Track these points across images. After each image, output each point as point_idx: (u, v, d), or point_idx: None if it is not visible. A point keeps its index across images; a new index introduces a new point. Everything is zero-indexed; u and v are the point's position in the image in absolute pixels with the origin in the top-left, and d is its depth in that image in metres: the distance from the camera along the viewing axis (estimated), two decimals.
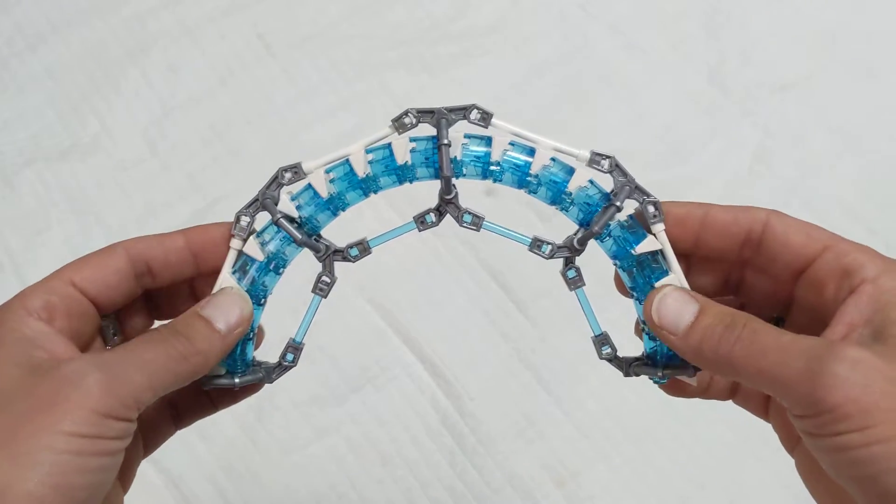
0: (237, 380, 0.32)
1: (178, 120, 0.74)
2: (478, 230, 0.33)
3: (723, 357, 0.27)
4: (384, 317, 0.63)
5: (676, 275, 0.31)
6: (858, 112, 0.70)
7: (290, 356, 0.33)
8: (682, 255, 0.32)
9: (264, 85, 0.75)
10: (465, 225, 0.32)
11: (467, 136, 0.32)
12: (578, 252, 0.33)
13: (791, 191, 0.67)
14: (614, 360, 0.34)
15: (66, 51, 0.78)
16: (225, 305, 0.31)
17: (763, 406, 0.34)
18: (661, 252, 0.31)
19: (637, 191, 0.32)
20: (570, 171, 0.32)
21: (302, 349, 0.33)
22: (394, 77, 0.74)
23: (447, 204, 0.32)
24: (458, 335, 0.63)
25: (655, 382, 0.34)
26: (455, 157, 0.31)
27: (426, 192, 0.33)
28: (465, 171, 0.32)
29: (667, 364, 0.32)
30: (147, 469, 0.58)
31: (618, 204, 0.31)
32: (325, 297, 0.33)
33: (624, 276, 0.32)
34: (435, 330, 0.63)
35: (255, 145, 0.72)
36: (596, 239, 0.32)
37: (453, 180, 0.32)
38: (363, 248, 0.33)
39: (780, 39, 0.74)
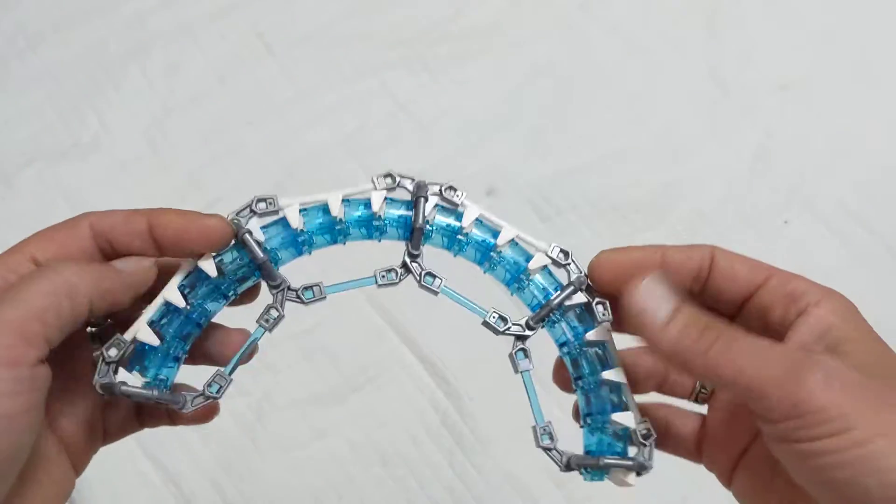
0: (154, 393, 0.30)
1: (178, 119, 0.74)
2: (436, 294, 0.33)
3: (700, 353, 0.27)
4: (384, 317, 0.63)
5: (620, 370, 0.32)
6: (858, 112, 0.70)
7: (214, 386, 0.31)
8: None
9: (264, 84, 0.75)
10: (423, 286, 0.33)
11: (438, 207, 0.33)
12: (532, 330, 0.34)
13: (791, 191, 0.67)
14: (552, 451, 0.34)
15: (66, 50, 0.78)
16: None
17: (695, 447, 0.35)
18: (606, 345, 0.32)
19: (589, 289, 0.32)
20: (529, 256, 0.33)
21: (229, 383, 0.31)
22: (394, 77, 0.74)
23: (413, 260, 0.33)
24: (458, 335, 0.63)
25: (593, 479, 0.34)
26: (427, 220, 0.32)
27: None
28: (432, 237, 0.33)
29: (606, 459, 0.33)
30: (146, 467, 0.58)
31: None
32: (270, 331, 0.32)
33: (569, 365, 0.33)
34: (435, 330, 0.63)
35: (254, 145, 0.72)
36: (546, 326, 0.33)
37: (420, 246, 0.32)
38: (318, 291, 0.32)
39: (780, 39, 0.74)
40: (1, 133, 0.75)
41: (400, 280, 0.33)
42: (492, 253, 0.33)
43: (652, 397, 0.36)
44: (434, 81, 0.74)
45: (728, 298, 0.31)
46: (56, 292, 0.28)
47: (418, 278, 0.33)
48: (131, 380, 0.31)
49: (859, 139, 0.69)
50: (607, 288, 0.32)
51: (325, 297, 0.32)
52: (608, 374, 0.33)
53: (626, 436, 0.33)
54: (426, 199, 0.32)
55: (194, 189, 0.70)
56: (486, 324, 0.34)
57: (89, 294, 0.28)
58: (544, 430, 0.34)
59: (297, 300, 0.32)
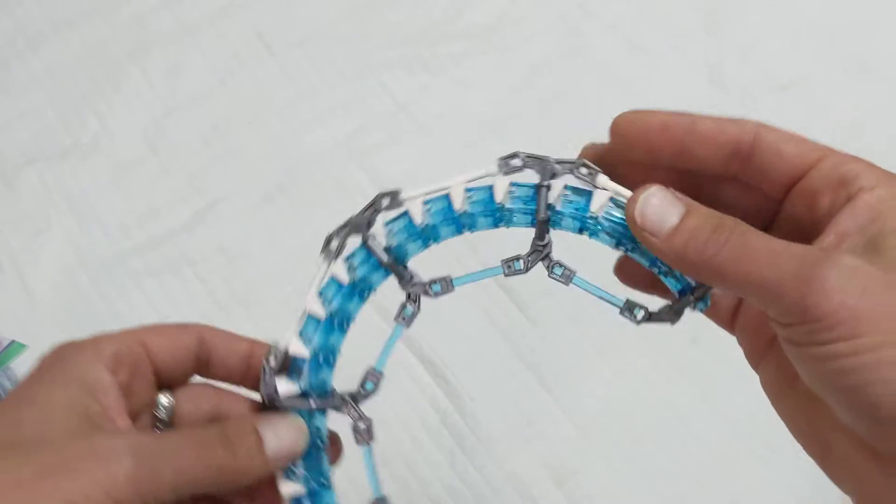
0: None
1: (178, 120, 0.74)
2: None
3: (708, 260, 0.26)
4: (384, 317, 0.63)
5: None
6: (858, 112, 0.70)
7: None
8: (664, 168, 0.30)
9: (264, 85, 0.75)
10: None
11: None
12: (545, 247, 0.32)
13: None
14: (652, 316, 0.31)
15: (66, 51, 0.78)
16: (283, 431, 0.30)
17: (729, 319, 0.32)
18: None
19: (559, 164, 0.31)
20: (489, 189, 0.31)
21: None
22: (394, 77, 0.74)
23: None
24: (458, 335, 0.63)
25: (704, 308, 0.31)
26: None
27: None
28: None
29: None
30: None
31: (545, 184, 0.31)
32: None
33: (637, 258, 0.31)
34: (435, 330, 0.63)
35: (255, 145, 0.72)
36: (592, 236, 0.31)
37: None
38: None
39: (780, 39, 0.74)
40: (1, 133, 0.75)
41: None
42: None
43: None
44: (434, 81, 0.74)
45: (774, 180, 0.29)
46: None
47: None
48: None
49: (859, 139, 0.69)
50: (628, 153, 0.30)
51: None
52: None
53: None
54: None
55: (194, 190, 0.70)
56: (624, 313, 0.31)
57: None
58: (631, 306, 0.31)
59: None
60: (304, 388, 0.31)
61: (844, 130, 0.70)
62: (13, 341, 0.60)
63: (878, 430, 0.24)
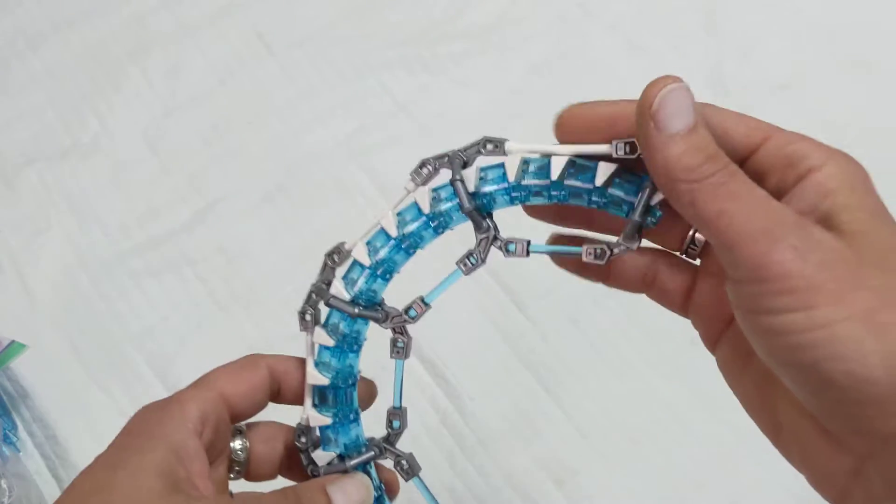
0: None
1: (178, 120, 0.74)
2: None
3: (692, 183, 0.25)
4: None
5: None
6: (858, 112, 0.70)
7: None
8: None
9: (264, 85, 0.75)
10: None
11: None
12: (488, 229, 0.32)
13: None
14: (616, 247, 0.30)
15: (66, 51, 0.78)
16: (350, 492, 0.31)
17: (681, 302, 0.32)
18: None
19: (461, 153, 0.31)
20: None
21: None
22: (394, 77, 0.74)
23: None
24: (458, 335, 0.63)
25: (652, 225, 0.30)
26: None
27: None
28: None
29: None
30: None
31: (458, 178, 0.31)
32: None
33: (573, 202, 0.31)
34: (435, 330, 0.62)
35: (255, 145, 0.72)
36: (522, 202, 0.31)
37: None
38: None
39: (780, 39, 0.74)
40: (1, 133, 0.75)
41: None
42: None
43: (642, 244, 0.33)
44: (434, 81, 0.74)
45: None
46: None
47: (503, 251, 0.32)
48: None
49: (859, 138, 0.69)
50: (569, 141, 0.30)
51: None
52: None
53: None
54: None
55: (194, 190, 0.70)
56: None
57: None
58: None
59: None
60: (340, 451, 0.33)
61: (844, 130, 0.70)
62: (13, 341, 0.60)
63: (828, 407, 0.24)
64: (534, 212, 0.33)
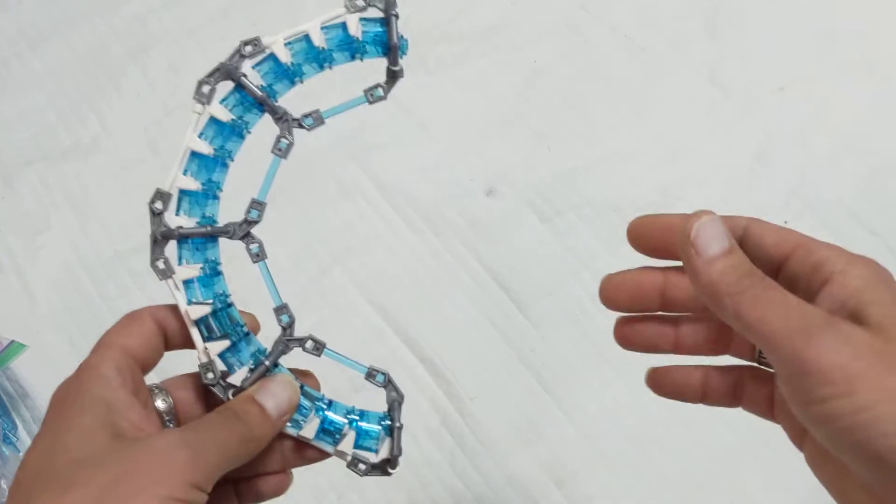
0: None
1: (178, 119, 0.74)
2: (322, 123, 0.35)
3: (734, 297, 0.29)
4: (384, 317, 0.63)
5: None
6: (859, 112, 0.70)
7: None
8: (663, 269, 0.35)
9: None
10: (310, 127, 0.35)
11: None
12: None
13: (791, 191, 0.67)
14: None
15: (67, 50, 0.78)
16: (275, 392, 0.34)
17: (769, 407, 0.35)
18: None
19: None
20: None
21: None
22: None
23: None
24: (458, 335, 0.63)
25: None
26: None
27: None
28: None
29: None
30: None
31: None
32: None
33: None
34: (435, 330, 0.63)
35: (255, 145, 0.72)
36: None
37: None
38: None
39: (780, 39, 0.74)
40: (1, 133, 0.75)
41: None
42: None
43: (726, 359, 0.36)
44: (434, 81, 0.74)
45: (762, 269, 0.32)
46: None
47: (303, 126, 0.35)
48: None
49: (859, 139, 0.69)
50: (642, 249, 0.35)
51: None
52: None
53: None
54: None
55: None
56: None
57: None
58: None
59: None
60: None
61: (844, 131, 0.70)
62: (13, 341, 0.60)
63: (883, 481, 0.26)
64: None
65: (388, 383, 0.37)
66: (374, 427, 0.36)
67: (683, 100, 0.72)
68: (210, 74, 0.34)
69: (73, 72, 0.77)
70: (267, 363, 0.35)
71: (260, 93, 0.34)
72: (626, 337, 0.38)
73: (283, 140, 0.35)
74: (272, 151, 0.35)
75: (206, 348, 0.34)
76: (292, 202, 0.69)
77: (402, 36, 0.35)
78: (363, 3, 0.34)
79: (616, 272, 0.35)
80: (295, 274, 0.63)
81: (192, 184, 0.34)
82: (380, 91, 0.36)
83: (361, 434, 0.36)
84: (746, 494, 0.56)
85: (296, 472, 0.60)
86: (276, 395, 0.34)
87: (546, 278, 0.64)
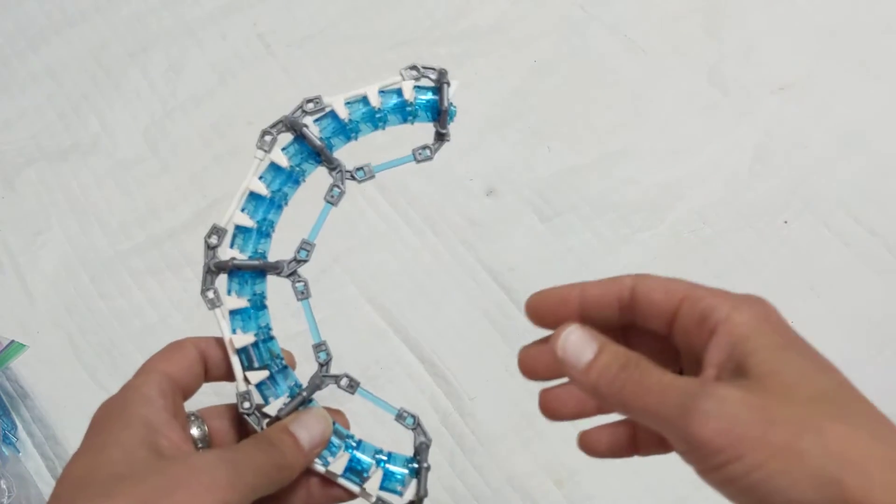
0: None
1: (178, 119, 0.74)
2: (373, 177, 0.37)
3: (616, 394, 0.30)
4: (384, 317, 0.63)
5: None
6: (859, 112, 0.70)
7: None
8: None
9: (265, 84, 0.75)
10: (361, 180, 0.37)
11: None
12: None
13: (791, 191, 0.67)
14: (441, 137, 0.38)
15: (67, 50, 0.78)
16: (309, 424, 0.35)
17: (630, 449, 0.36)
18: None
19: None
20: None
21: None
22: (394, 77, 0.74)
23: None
24: (458, 335, 0.63)
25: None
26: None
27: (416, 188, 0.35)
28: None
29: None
30: None
31: (447, 81, 0.37)
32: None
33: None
34: (435, 330, 0.63)
35: (255, 145, 0.72)
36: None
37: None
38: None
39: (780, 39, 0.74)
40: (1, 133, 0.75)
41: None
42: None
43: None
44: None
45: (657, 326, 0.32)
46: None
47: (354, 178, 0.37)
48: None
49: (859, 139, 0.69)
50: (543, 325, 0.35)
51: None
52: None
53: None
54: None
55: (195, 189, 0.70)
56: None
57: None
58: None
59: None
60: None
61: (844, 131, 0.70)
62: (13, 341, 0.60)
63: None
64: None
65: (417, 426, 0.38)
66: (401, 470, 0.37)
67: (683, 100, 0.72)
68: (273, 125, 0.37)
69: (73, 72, 0.77)
70: (304, 394, 0.36)
71: (319, 143, 0.36)
72: (550, 408, 0.38)
73: (336, 189, 0.37)
74: (325, 199, 0.37)
75: (245, 377, 0.35)
76: (292, 202, 0.69)
77: (451, 103, 0.37)
78: (417, 73, 0.37)
79: (537, 292, 0.36)
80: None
81: (248, 221, 0.36)
82: (427, 152, 0.38)
83: (388, 475, 0.36)
84: None
85: None
86: (309, 428, 0.34)
87: (546, 278, 0.64)
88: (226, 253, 0.36)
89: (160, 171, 0.72)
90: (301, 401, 0.36)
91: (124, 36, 0.79)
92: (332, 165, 0.37)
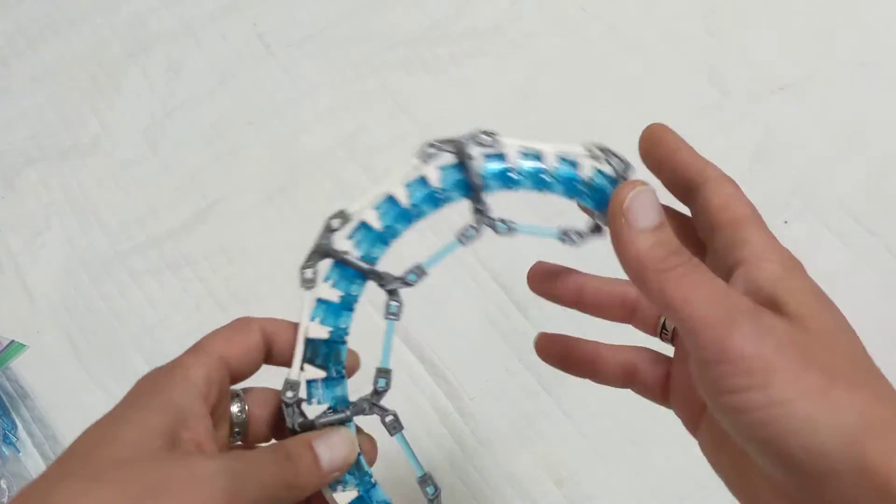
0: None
1: (178, 120, 0.74)
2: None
3: (656, 273, 0.28)
4: (384, 317, 0.63)
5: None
6: (859, 112, 0.70)
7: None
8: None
9: (265, 85, 0.75)
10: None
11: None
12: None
13: (791, 191, 0.67)
14: (585, 234, 0.36)
15: (66, 50, 0.78)
16: (335, 444, 0.33)
17: (661, 392, 0.35)
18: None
19: (468, 139, 0.34)
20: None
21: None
22: (394, 77, 0.74)
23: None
24: (458, 335, 0.63)
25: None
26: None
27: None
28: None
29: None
30: None
31: (468, 155, 0.34)
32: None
33: (555, 192, 0.34)
34: (435, 330, 0.63)
35: (255, 145, 0.72)
36: (514, 187, 0.34)
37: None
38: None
39: (780, 39, 0.74)
40: (1, 133, 0.75)
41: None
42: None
43: (621, 340, 0.37)
44: (434, 82, 0.74)
45: (700, 228, 0.32)
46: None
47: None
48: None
49: (860, 139, 0.69)
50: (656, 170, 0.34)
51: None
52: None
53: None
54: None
55: (195, 189, 0.70)
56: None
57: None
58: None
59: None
60: (331, 404, 0.34)
61: (844, 131, 0.70)
62: (13, 341, 0.60)
63: (790, 477, 0.26)
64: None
65: (436, 499, 0.37)
66: None
67: (683, 100, 0.72)
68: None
69: (73, 72, 0.77)
70: (348, 413, 0.34)
71: (478, 181, 0.33)
72: (537, 282, 0.38)
73: (472, 230, 0.35)
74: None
75: (302, 368, 0.34)
76: (292, 201, 0.69)
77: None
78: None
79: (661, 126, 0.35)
80: (295, 274, 0.63)
81: (377, 223, 0.34)
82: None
83: None
84: None
85: None
86: (333, 448, 0.33)
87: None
88: (342, 243, 0.34)
89: (160, 171, 0.72)
90: (341, 419, 0.34)
91: (124, 36, 0.79)
92: (480, 206, 0.34)
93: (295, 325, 0.34)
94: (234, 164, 0.72)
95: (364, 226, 0.34)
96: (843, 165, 0.68)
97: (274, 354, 0.34)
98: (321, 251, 0.34)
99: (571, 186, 0.34)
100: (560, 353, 0.38)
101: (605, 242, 0.33)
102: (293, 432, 0.33)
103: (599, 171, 0.34)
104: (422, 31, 0.77)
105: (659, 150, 0.34)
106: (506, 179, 0.34)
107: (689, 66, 0.73)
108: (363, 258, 0.34)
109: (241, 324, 0.34)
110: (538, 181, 0.34)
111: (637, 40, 0.75)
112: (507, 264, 0.65)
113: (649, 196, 0.30)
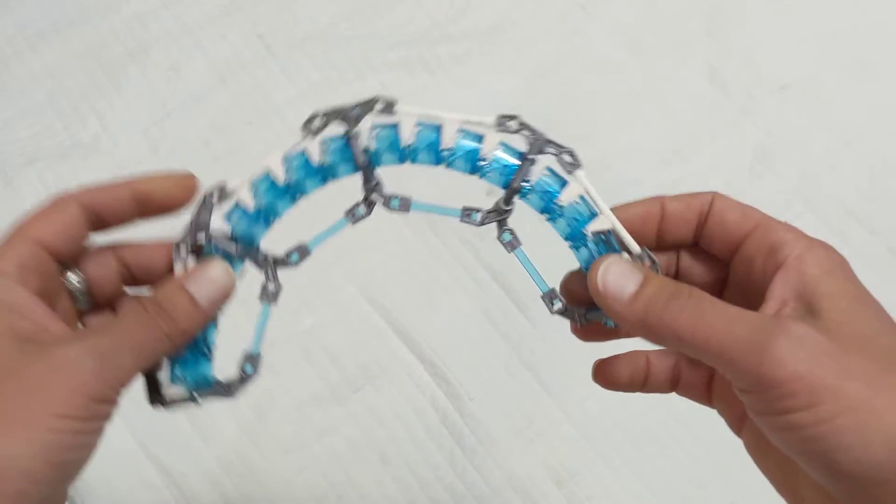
0: (198, 399, 0.32)
1: (178, 119, 0.74)
2: (407, 212, 0.33)
3: (667, 325, 0.27)
4: (384, 317, 0.63)
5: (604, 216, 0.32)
6: (859, 112, 0.70)
7: (248, 367, 0.33)
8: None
9: (264, 85, 0.75)
10: (393, 209, 0.32)
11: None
12: (507, 212, 0.33)
13: (792, 191, 0.67)
14: (566, 312, 0.33)
15: (67, 50, 0.78)
16: (208, 278, 0.31)
17: (706, 393, 0.34)
18: (612, 232, 0.32)
19: (550, 144, 0.32)
20: (479, 138, 0.32)
21: (260, 359, 0.33)
22: (394, 77, 0.74)
23: (371, 193, 0.32)
24: (458, 335, 0.63)
25: (608, 325, 0.33)
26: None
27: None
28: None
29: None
30: (148, 468, 0.58)
31: (531, 157, 0.31)
32: (275, 302, 0.33)
33: (576, 254, 0.33)
34: (435, 330, 0.63)
35: (255, 145, 0.72)
36: (550, 220, 0.33)
37: (376, 169, 0.32)
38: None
39: (781, 39, 0.74)
40: (1, 133, 0.75)
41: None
42: (440, 149, 0.32)
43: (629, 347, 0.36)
44: (434, 81, 0.74)
45: (719, 248, 0.31)
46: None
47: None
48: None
49: (860, 139, 0.69)
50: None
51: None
52: (593, 225, 0.32)
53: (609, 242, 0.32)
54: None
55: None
56: (465, 218, 0.33)
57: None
58: (552, 296, 0.33)
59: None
60: (234, 234, 0.32)
61: (845, 131, 0.70)
62: None
63: (840, 487, 0.26)
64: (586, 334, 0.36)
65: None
66: None
67: (684, 100, 0.72)
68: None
69: (73, 72, 0.77)
70: (236, 250, 0.32)
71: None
72: (605, 377, 0.37)
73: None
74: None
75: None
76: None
77: (367, 149, 0.32)
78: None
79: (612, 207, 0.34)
80: (295, 274, 0.63)
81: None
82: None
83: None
84: (747, 493, 0.56)
85: (294, 471, 0.61)
86: (208, 283, 0.31)
87: (546, 278, 0.64)
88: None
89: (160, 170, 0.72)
90: (227, 253, 0.31)
91: (124, 36, 0.79)
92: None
93: (112, 189, 0.33)
94: (235, 163, 0.72)
95: (395, 129, 0.32)
96: (843, 165, 0.68)
97: (103, 219, 0.33)
98: (342, 115, 0.32)
99: (473, 164, 0.32)
100: (627, 375, 0.36)
101: None
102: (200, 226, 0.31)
103: (506, 146, 0.32)
104: (422, 31, 0.77)
105: (643, 226, 0.33)
106: (400, 153, 0.32)
107: (689, 66, 0.73)
108: (370, 153, 0.32)
109: (56, 202, 0.32)
110: (437, 156, 0.32)
111: (638, 40, 0.75)
112: (507, 264, 0.65)
113: (619, 265, 0.29)
